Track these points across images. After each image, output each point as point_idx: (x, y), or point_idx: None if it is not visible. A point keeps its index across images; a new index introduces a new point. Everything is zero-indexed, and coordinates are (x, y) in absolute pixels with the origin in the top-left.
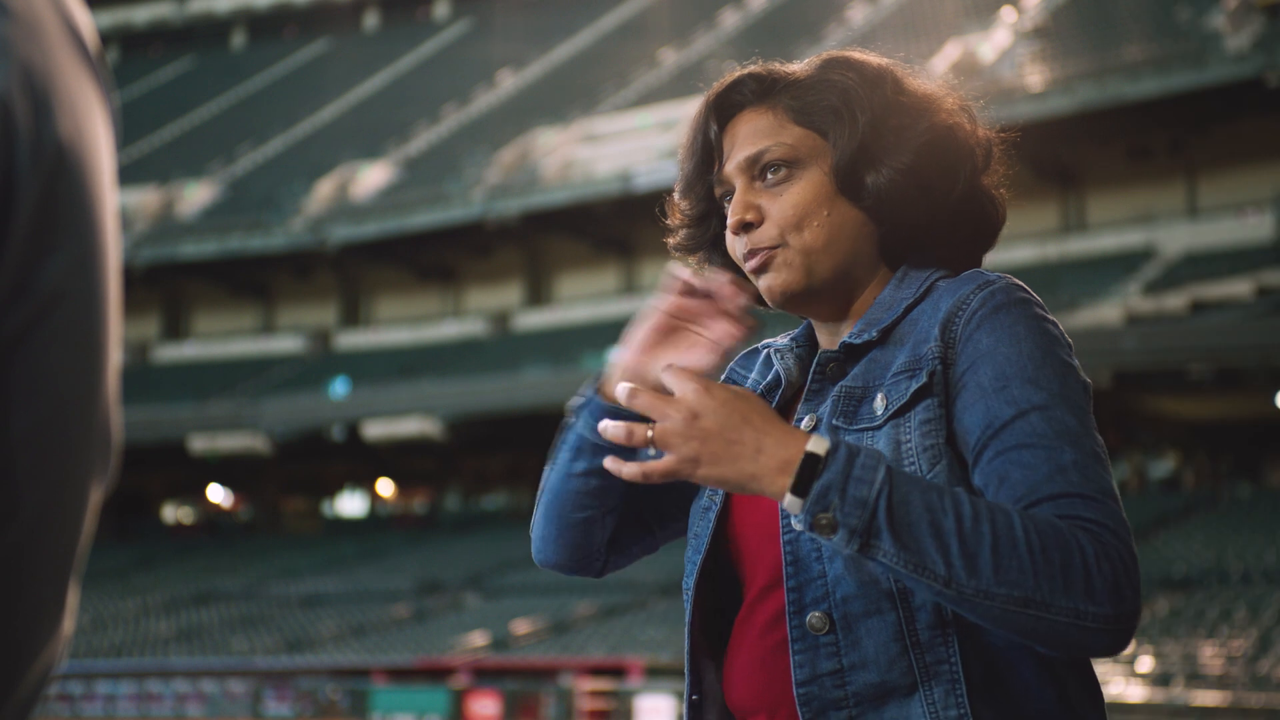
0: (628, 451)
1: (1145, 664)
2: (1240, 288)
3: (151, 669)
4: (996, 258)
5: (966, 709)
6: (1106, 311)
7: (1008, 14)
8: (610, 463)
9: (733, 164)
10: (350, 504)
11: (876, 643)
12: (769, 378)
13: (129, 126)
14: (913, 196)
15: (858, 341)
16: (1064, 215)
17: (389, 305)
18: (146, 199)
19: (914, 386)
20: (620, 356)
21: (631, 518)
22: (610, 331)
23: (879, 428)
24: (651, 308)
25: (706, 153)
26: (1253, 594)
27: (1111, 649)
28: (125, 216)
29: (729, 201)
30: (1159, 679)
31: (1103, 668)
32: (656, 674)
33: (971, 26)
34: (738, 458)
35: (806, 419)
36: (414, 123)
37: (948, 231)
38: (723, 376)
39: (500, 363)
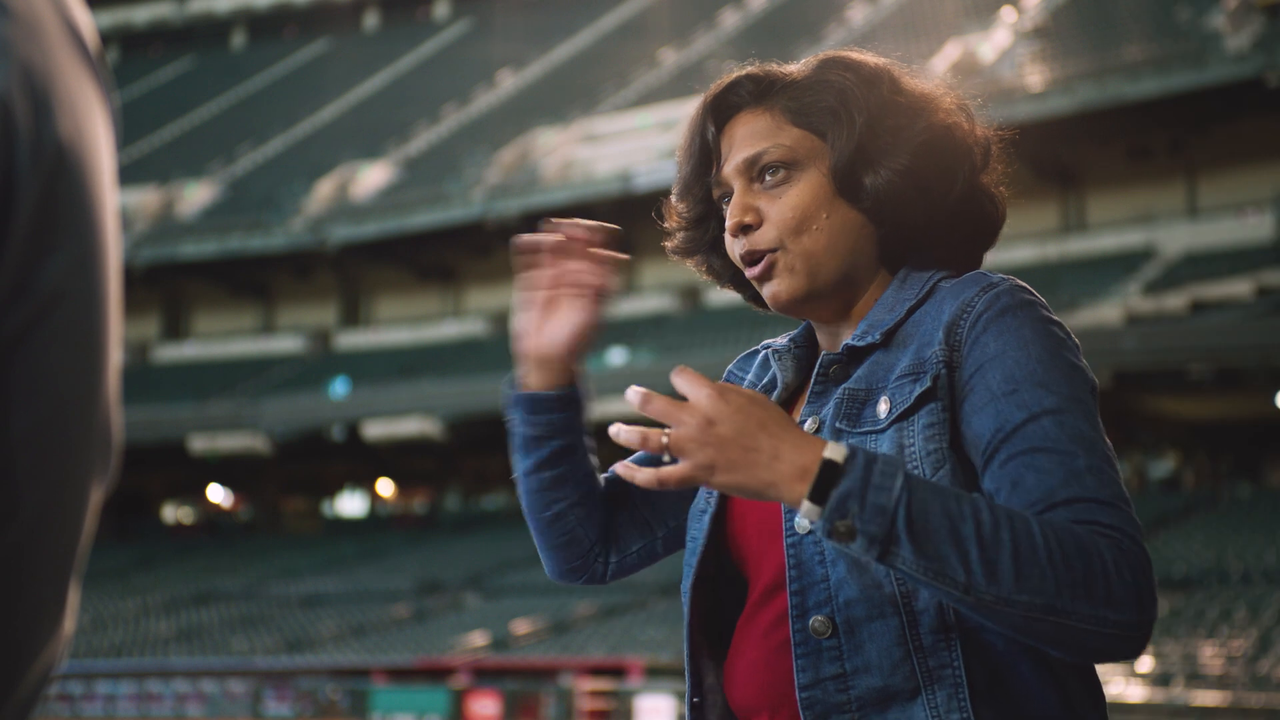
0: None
1: (1145, 664)
2: (1240, 288)
3: (151, 669)
4: (996, 258)
5: (969, 713)
6: (1106, 311)
7: (1008, 14)
8: (621, 468)
9: (731, 166)
10: (350, 504)
11: (879, 647)
12: (765, 379)
13: (129, 126)
14: (911, 197)
15: (860, 344)
16: (1064, 215)
17: (389, 305)
18: (146, 199)
19: (918, 390)
20: (519, 345)
21: (626, 514)
22: (610, 331)
23: (882, 431)
24: (524, 290)
25: (704, 154)
26: (1253, 594)
27: (1131, 654)
28: (125, 216)
29: (727, 203)
30: (1159, 679)
31: (1103, 668)
32: (656, 674)
33: (971, 26)
34: (754, 465)
35: (809, 421)
36: (414, 123)
37: (947, 231)
38: (721, 377)
39: (500, 363)
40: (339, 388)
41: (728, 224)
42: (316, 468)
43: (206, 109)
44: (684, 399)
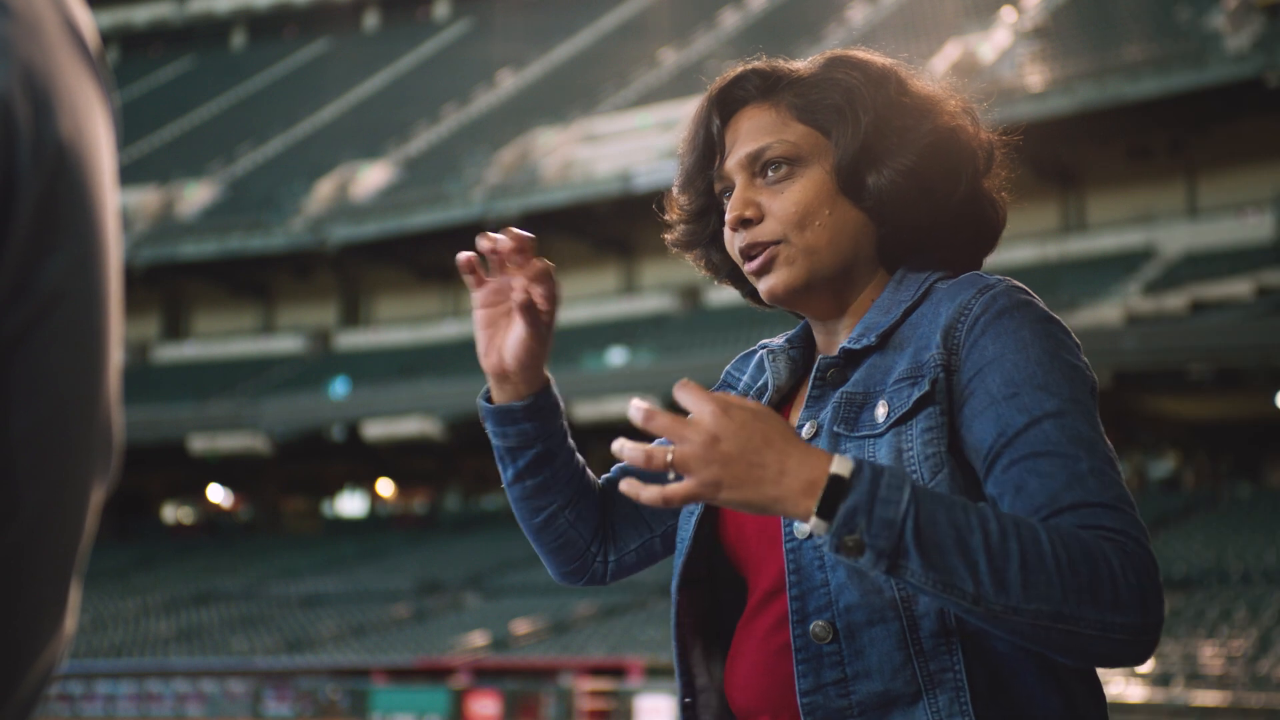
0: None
1: (1145, 664)
2: (1240, 288)
3: (151, 669)
4: (996, 258)
5: (971, 716)
6: (1106, 311)
7: (1008, 14)
8: (626, 485)
9: (734, 160)
10: (350, 504)
11: (880, 652)
12: (761, 381)
13: (129, 126)
14: (914, 198)
15: (857, 347)
16: (1064, 215)
17: (389, 305)
18: (146, 199)
19: (916, 395)
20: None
21: (623, 513)
22: (610, 332)
23: (880, 435)
24: (474, 310)
25: (708, 148)
26: (1253, 594)
27: (1139, 659)
28: (125, 216)
29: (729, 198)
30: (1159, 679)
31: (1104, 669)
32: (656, 674)
33: (971, 26)
34: (760, 481)
35: (807, 425)
36: (414, 123)
37: (948, 234)
38: (719, 378)
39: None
40: (339, 388)
41: (728, 218)
42: (316, 468)
43: (206, 109)
44: (686, 412)
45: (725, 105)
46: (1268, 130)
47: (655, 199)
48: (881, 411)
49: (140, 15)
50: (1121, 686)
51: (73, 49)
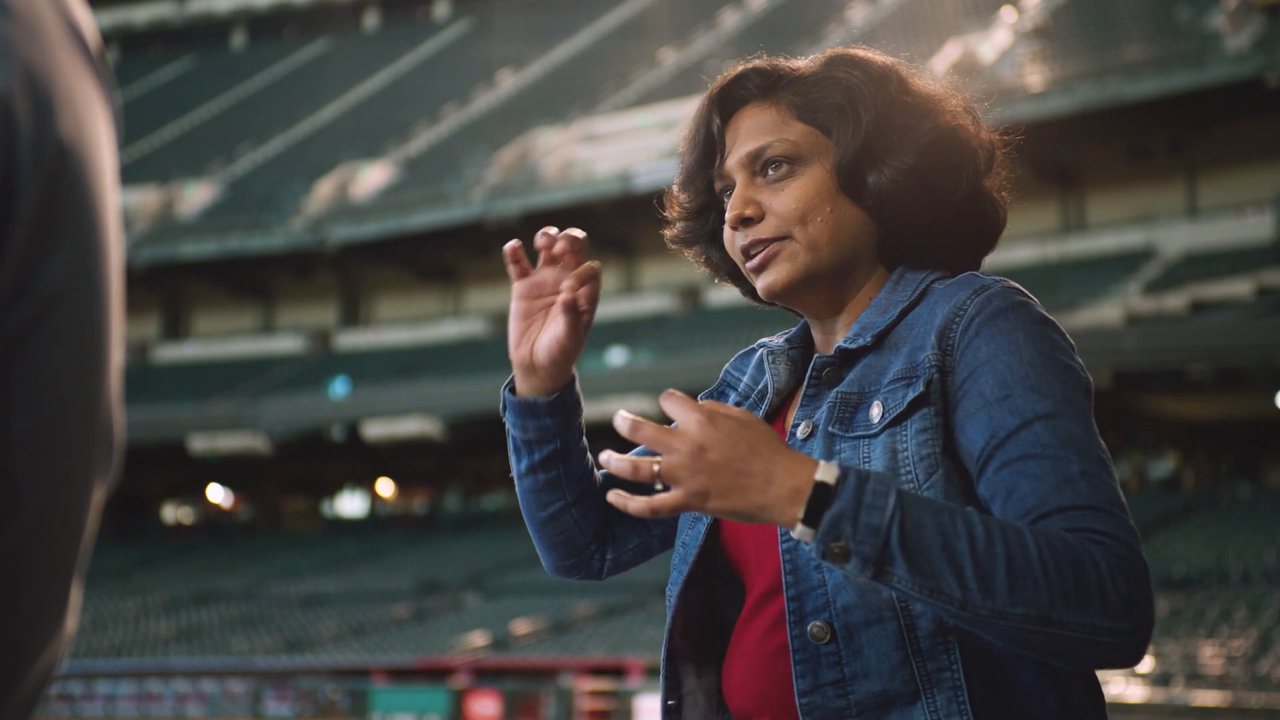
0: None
1: (1145, 664)
2: (1240, 288)
3: (151, 669)
4: (996, 258)
5: (969, 716)
6: (1106, 311)
7: (1008, 14)
8: (614, 497)
9: (734, 159)
10: (350, 504)
11: (878, 651)
12: (761, 383)
13: (129, 126)
14: (915, 197)
15: (852, 346)
16: (1064, 215)
17: (389, 305)
18: (146, 199)
19: (910, 395)
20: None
21: (622, 513)
22: (610, 331)
23: (875, 436)
24: (513, 300)
25: (708, 146)
26: (1253, 594)
27: (1128, 662)
28: (125, 216)
29: (729, 196)
30: (1159, 679)
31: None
32: (656, 674)
33: (971, 26)
34: (747, 490)
35: (803, 425)
36: (414, 123)
37: (949, 233)
38: (718, 377)
39: (500, 363)
40: (339, 388)
41: (728, 217)
42: (316, 468)
43: (206, 109)
44: (672, 422)
45: (726, 104)
46: (1268, 130)
47: (655, 199)
48: (876, 412)
49: (140, 15)
50: (1121, 686)
51: (73, 49)
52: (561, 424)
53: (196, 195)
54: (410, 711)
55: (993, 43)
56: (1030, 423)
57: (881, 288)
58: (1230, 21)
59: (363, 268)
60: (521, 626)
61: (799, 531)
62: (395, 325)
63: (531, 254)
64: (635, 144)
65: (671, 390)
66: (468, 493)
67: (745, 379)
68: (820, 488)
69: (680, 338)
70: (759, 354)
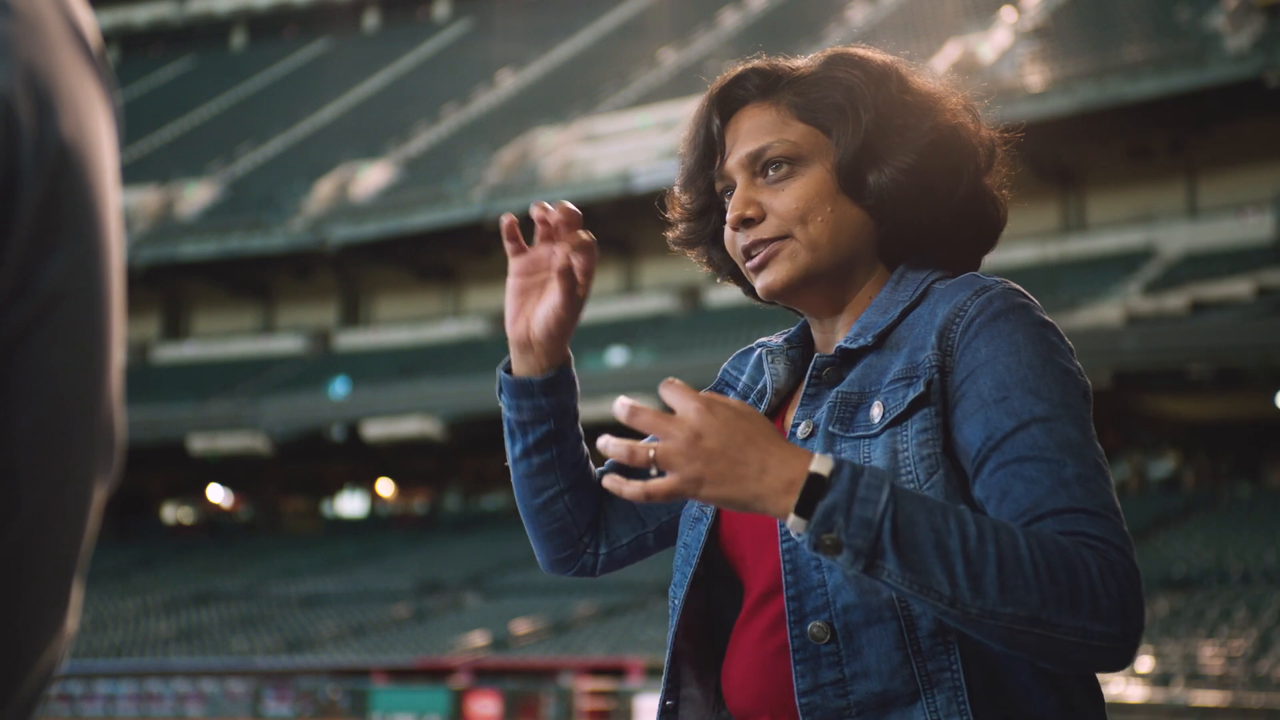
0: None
1: (1145, 664)
2: (1240, 288)
3: (151, 669)
4: (996, 258)
5: (969, 716)
6: (1106, 311)
7: (1008, 14)
8: (610, 481)
9: (734, 159)
10: (350, 504)
11: (878, 651)
12: (760, 383)
13: (129, 126)
14: (915, 196)
15: (853, 346)
16: (1064, 215)
17: (389, 305)
18: (146, 199)
19: (911, 396)
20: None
21: (618, 506)
22: (610, 331)
23: (875, 436)
24: (509, 277)
25: (708, 147)
26: (1253, 594)
27: (1118, 666)
28: (125, 216)
29: (729, 197)
30: (1159, 679)
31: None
32: (656, 674)
33: (971, 26)
34: (742, 478)
35: (803, 425)
36: (414, 123)
37: (949, 232)
38: (717, 377)
39: (500, 362)
40: (339, 388)
41: (729, 217)
42: (316, 468)
43: (206, 109)
44: (672, 410)
45: (725, 105)
46: (1268, 130)
47: (655, 199)
48: (877, 412)
49: (140, 15)
50: (1121, 686)
51: (74, 48)
52: (555, 405)
53: (196, 195)
54: (410, 711)
55: (993, 43)
56: (1027, 425)
57: (882, 287)
58: (1230, 21)
59: (363, 268)
60: (521, 626)
61: (792, 522)
62: (395, 325)
63: (528, 235)
64: (635, 144)
65: (671, 378)
66: (468, 493)
67: (744, 378)
68: (814, 479)
69: (680, 338)
70: (757, 353)
